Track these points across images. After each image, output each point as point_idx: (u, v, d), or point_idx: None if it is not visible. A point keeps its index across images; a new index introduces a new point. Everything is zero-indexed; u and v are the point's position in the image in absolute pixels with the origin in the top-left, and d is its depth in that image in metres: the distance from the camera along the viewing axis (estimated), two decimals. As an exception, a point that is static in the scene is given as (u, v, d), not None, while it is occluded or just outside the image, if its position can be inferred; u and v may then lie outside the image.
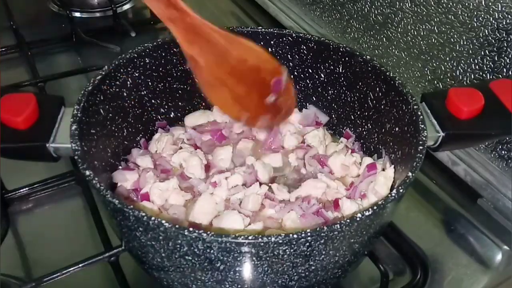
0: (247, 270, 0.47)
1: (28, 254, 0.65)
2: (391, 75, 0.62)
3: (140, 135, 0.68)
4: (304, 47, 0.70)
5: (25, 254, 0.65)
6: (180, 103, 0.72)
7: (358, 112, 0.69)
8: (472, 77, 0.73)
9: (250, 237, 0.44)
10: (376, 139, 0.67)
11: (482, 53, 0.70)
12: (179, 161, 0.65)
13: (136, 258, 0.56)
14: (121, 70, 0.62)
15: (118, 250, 0.61)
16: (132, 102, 0.65)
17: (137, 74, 0.64)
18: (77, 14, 1.07)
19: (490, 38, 0.69)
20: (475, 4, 0.69)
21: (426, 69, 0.80)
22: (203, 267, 0.47)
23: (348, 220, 0.46)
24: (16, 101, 0.54)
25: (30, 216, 0.70)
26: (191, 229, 0.44)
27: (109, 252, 0.61)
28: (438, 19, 0.75)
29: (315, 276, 0.50)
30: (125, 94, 0.64)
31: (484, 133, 0.60)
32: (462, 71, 0.74)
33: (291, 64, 0.71)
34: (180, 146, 0.68)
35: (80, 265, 0.60)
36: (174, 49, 0.67)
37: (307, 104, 0.74)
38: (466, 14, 0.71)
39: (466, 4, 0.71)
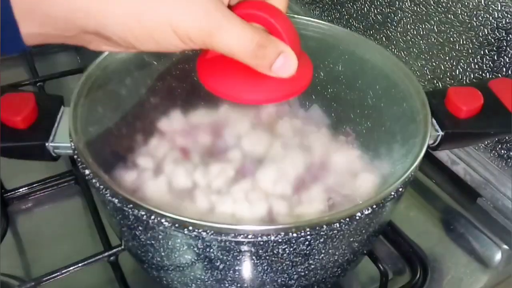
0: (246, 269, 0.47)
1: (27, 254, 0.65)
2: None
3: (139, 134, 0.68)
4: (303, 46, 0.69)
5: (24, 254, 0.65)
6: (179, 103, 0.72)
7: (358, 111, 0.69)
8: (472, 76, 0.73)
9: (249, 236, 0.44)
10: (375, 137, 0.67)
11: (482, 52, 0.70)
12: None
13: (136, 257, 0.56)
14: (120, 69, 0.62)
15: (117, 250, 0.61)
16: (132, 101, 0.65)
17: (136, 73, 0.64)
18: (77, 14, 1.06)
19: (489, 38, 0.69)
20: (474, 4, 0.69)
21: (425, 68, 0.80)
22: (202, 266, 0.47)
23: (347, 219, 0.46)
24: (15, 101, 0.54)
25: (29, 216, 0.70)
26: (190, 228, 0.44)
27: (109, 252, 0.61)
28: (437, 18, 0.75)
29: (315, 275, 0.50)
30: (124, 93, 0.64)
31: (483, 132, 0.60)
32: (461, 70, 0.74)
33: (290, 63, 0.71)
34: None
35: (80, 265, 0.60)
36: (174, 48, 0.67)
37: (307, 104, 0.74)
38: (465, 14, 0.71)
39: (466, 3, 0.71)
